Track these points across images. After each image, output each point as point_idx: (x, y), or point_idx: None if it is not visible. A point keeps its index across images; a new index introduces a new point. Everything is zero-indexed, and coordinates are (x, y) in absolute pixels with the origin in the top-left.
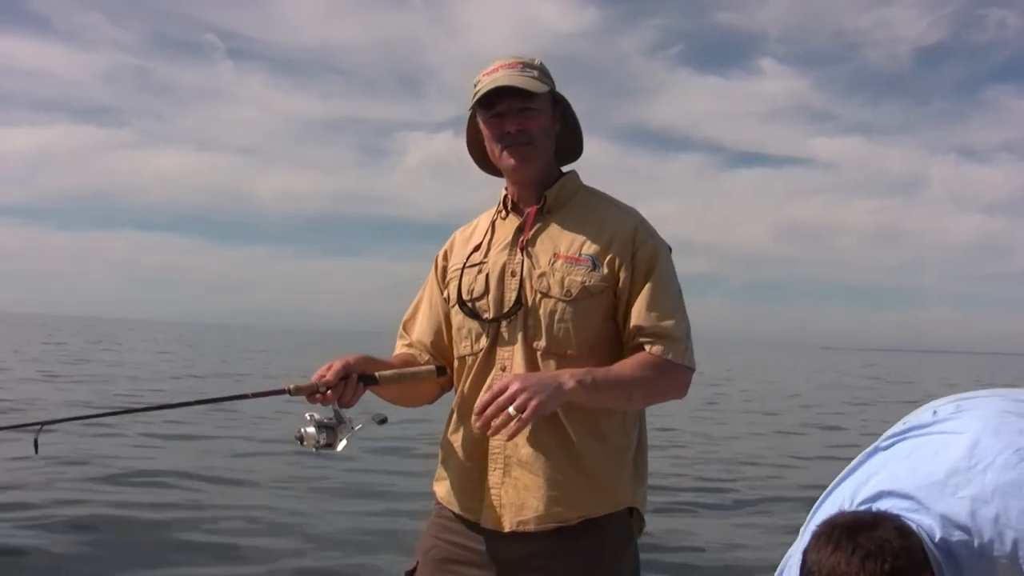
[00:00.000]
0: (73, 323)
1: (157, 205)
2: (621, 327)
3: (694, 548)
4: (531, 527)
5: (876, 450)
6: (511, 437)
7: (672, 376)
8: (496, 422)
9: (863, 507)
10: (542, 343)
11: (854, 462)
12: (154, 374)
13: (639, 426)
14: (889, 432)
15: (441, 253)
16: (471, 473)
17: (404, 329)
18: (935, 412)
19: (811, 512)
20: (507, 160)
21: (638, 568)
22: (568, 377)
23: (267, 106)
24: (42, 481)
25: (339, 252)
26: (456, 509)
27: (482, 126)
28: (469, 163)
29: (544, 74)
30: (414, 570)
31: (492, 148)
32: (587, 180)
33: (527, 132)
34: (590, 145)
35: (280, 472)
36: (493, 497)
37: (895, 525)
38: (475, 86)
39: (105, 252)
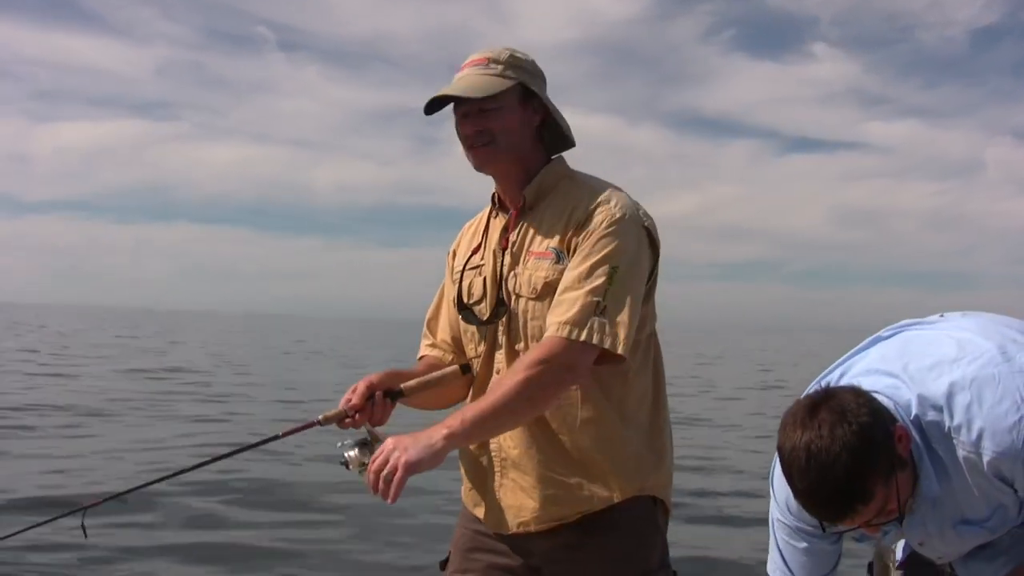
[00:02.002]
0: (144, 316)
1: (212, 198)
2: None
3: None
4: (531, 528)
5: (878, 339)
6: (393, 500)
7: (557, 358)
8: (381, 488)
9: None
10: (522, 344)
11: (855, 349)
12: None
13: (650, 410)
14: (894, 324)
15: (451, 252)
16: (477, 475)
17: (428, 328)
18: (942, 315)
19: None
20: (471, 161)
21: (666, 558)
22: (439, 428)
23: (320, 97)
24: None
25: (394, 242)
26: (471, 509)
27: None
28: None
29: (511, 67)
30: (447, 560)
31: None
32: (642, 167)
33: (487, 132)
34: (645, 132)
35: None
36: (495, 499)
37: (847, 390)
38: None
39: (162, 244)
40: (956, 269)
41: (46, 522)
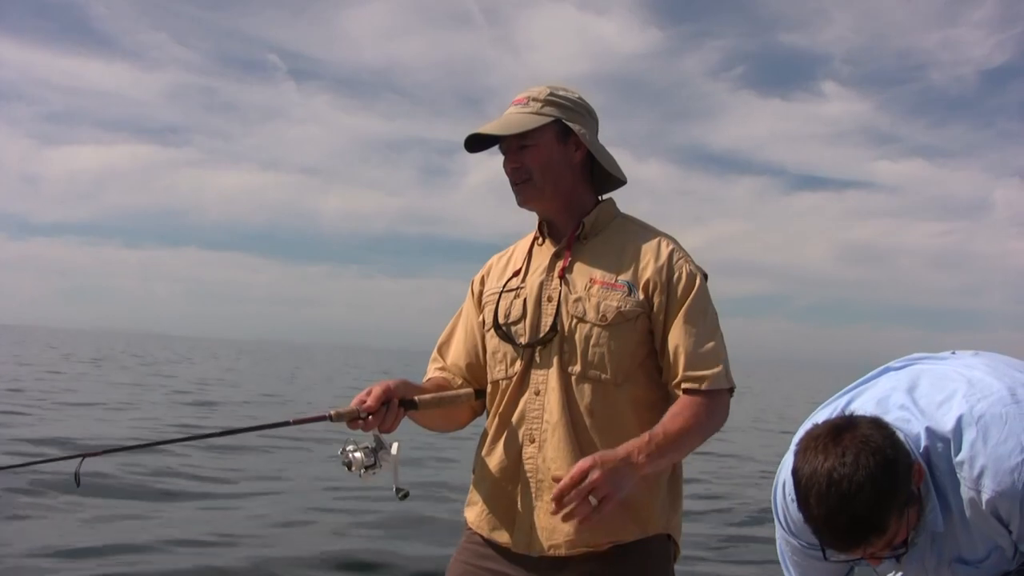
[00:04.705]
0: (153, 341)
1: (221, 223)
2: (659, 352)
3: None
4: (562, 551)
5: (887, 369)
6: (583, 523)
7: (719, 406)
8: (573, 508)
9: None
10: (577, 368)
11: (864, 377)
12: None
13: None
14: (905, 357)
15: (478, 278)
16: (503, 496)
17: (439, 352)
18: (953, 352)
19: (800, 429)
20: (515, 196)
21: None
22: (637, 454)
23: (330, 125)
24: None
25: (401, 272)
26: (486, 533)
27: None
28: None
29: (549, 104)
30: None
31: None
32: (648, 202)
33: (525, 169)
34: (651, 167)
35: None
36: (524, 521)
37: (870, 420)
38: None
39: (170, 269)
40: (962, 308)
41: (46, 461)
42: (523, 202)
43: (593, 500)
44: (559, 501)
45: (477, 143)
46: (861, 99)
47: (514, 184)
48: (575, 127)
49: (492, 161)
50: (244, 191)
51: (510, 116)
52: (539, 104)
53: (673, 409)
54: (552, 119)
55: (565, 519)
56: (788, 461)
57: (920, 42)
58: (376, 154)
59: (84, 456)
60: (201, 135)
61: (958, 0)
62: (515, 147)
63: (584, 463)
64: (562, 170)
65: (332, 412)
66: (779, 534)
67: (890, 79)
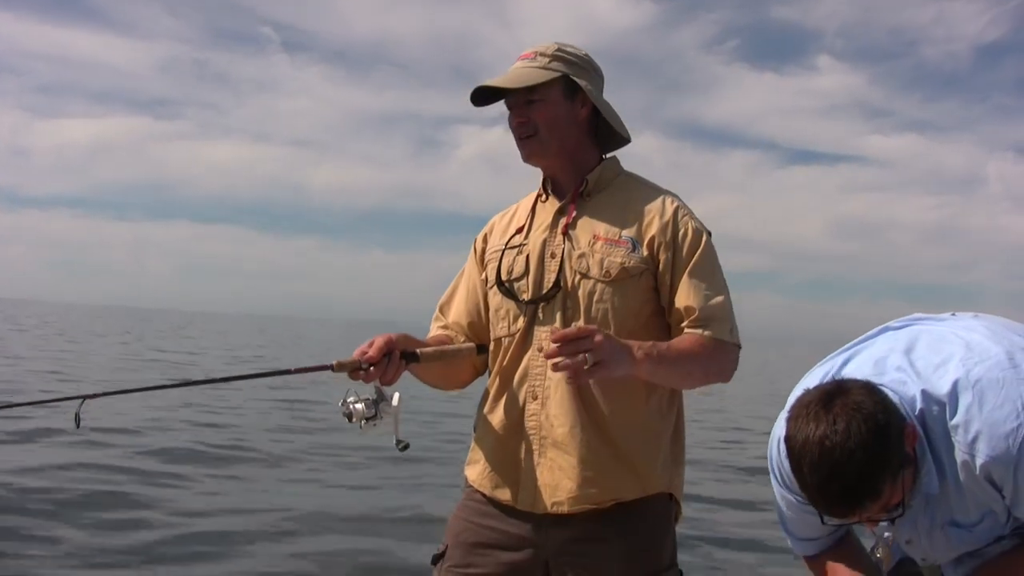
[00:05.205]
0: (153, 316)
1: (213, 196)
2: (666, 308)
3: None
4: (564, 508)
5: (887, 328)
6: (573, 381)
7: (724, 355)
8: (563, 360)
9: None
10: (580, 323)
11: (863, 336)
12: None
13: (676, 412)
14: (905, 316)
15: (480, 236)
16: (505, 454)
17: (440, 311)
18: (953, 313)
19: (798, 384)
20: (520, 152)
21: (675, 557)
22: (637, 349)
23: (322, 98)
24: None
25: (392, 245)
26: (488, 491)
27: None
28: (518, 157)
29: (556, 60)
30: (443, 554)
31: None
32: (641, 174)
33: (531, 124)
34: (644, 140)
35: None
36: (527, 478)
37: (861, 385)
38: None
39: (161, 242)
40: (954, 283)
41: (47, 402)
42: (527, 157)
43: (588, 361)
44: (558, 346)
45: (483, 97)
46: (854, 72)
47: (519, 139)
48: (582, 83)
49: (485, 134)
50: (236, 164)
51: (518, 70)
52: (547, 59)
53: (680, 336)
54: (560, 74)
55: (555, 367)
56: (782, 417)
57: (914, 17)
58: (368, 127)
59: (85, 398)
60: (193, 107)
61: None
62: (522, 101)
63: (589, 327)
64: (568, 126)
65: (334, 363)
66: (776, 490)
67: (884, 53)
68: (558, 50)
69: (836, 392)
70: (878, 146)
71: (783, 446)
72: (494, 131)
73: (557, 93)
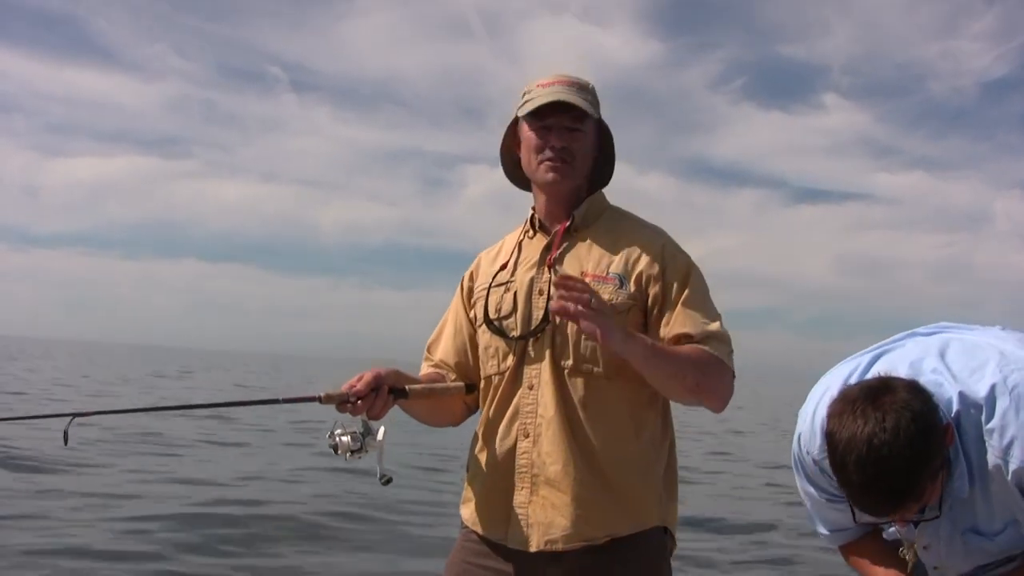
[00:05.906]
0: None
1: (220, 235)
2: (663, 342)
3: None
4: (559, 546)
5: (914, 334)
6: (571, 317)
7: (720, 374)
8: (570, 305)
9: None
10: (569, 361)
11: (888, 340)
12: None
13: (669, 445)
14: (932, 325)
15: (467, 274)
16: (498, 493)
17: (429, 351)
18: (981, 324)
19: (821, 380)
20: (544, 173)
21: None
22: (634, 332)
23: (330, 137)
24: None
25: (400, 284)
26: (481, 531)
27: (526, 134)
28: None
29: (595, 99)
30: None
31: (530, 158)
32: (648, 214)
33: (570, 151)
34: (652, 179)
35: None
36: (520, 516)
37: (907, 384)
38: (525, 94)
39: (169, 281)
40: (963, 319)
41: (38, 417)
42: (557, 180)
43: (593, 304)
44: (561, 288)
45: (535, 110)
46: (861, 110)
47: (559, 161)
48: (608, 128)
49: (491, 173)
50: (244, 203)
51: (572, 95)
52: (589, 95)
53: (680, 346)
54: (598, 116)
55: (557, 299)
56: (806, 412)
57: (920, 53)
58: (376, 165)
59: (74, 416)
60: (201, 146)
61: (958, 12)
62: (564, 126)
63: (588, 287)
64: (590, 163)
65: (322, 394)
66: (799, 484)
67: (890, 90)
68: (593, 88)
69: (883, 389)
70: (885, 184)
71: (805, 436)
72: (501, 170)
73: (592, 129)
